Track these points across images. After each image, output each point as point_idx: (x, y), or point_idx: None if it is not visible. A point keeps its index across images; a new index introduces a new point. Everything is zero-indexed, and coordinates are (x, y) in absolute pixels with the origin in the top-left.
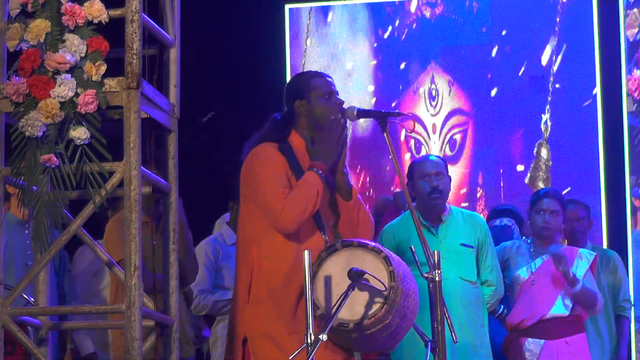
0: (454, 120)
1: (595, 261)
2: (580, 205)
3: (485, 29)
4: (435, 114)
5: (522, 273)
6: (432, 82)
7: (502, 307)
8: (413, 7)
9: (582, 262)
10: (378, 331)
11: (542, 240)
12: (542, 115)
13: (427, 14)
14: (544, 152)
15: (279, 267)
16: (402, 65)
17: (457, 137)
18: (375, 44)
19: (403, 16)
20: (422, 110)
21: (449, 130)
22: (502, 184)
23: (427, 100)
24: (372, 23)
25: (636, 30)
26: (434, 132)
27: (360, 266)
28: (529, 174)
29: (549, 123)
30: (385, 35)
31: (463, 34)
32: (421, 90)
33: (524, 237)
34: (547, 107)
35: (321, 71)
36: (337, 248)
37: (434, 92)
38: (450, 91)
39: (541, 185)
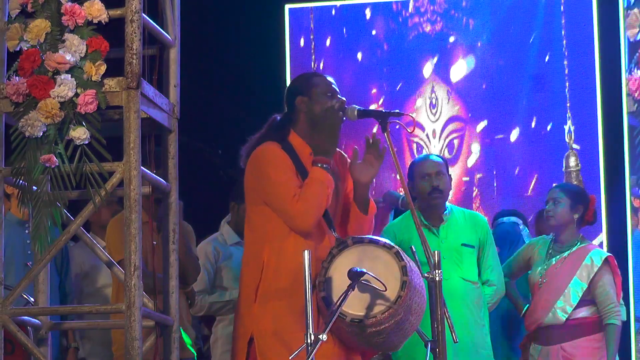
0: (452, 126)
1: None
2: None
3: (480, 43)
4: (435, 120)
5: (534, 273)
6: (433, 91)
7: (527, 306)
8: (415, 24)
9: (589, 266)
10: (390, 326)
11: (560, 234)
12: (564, 126)
13: (427, 29)
14: (572, 161)
15: (288, 266)
16: (405, 76)
17: (455, 141)
18: (379, 56)
19: (406, 32)
20: (423, 117)
21: (448, 135)
22: (495, 184)
23: (428, 108)
24: (376, 37)
25: (636, 30)
26: (434, 137)
27: (372, 262)
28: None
29: (572, 130)
30: (389, 49)
31: (460, 48)
32: (422, 99)
33: (551, 234)
34: (568, 114)
35: (323, 73)
36: (348, 244)
37: (434, 101)
38: (448, 100)
39: None
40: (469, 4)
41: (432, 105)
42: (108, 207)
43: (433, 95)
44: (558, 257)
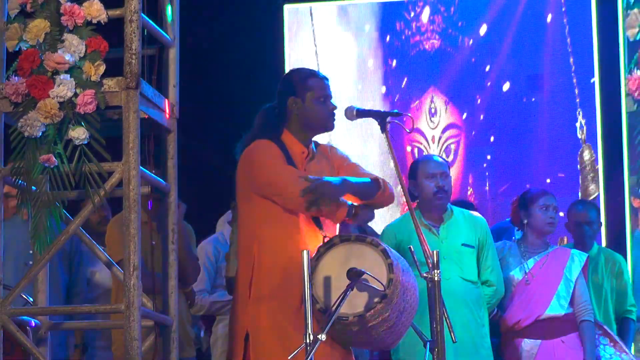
0: (449, 132)
1: (587, 263)
2: (591, 206)
3: (475, 59)
4: (434, 127)
5: (516, 273)
6: (432, 101)
7: (496, 309)
8: (416, 41)
9: (574, 265)
10: (378, 324)
11: (540, 239)
12: (575, 124)
13: (428, 46)
14: (586, 155)
15: (279, 262)
16: (407, 87)
17: (452, 146)
18: (384, 70)
19: (408, 48)
20: (423, 124)
21: (446, 140)
22: (487, 184)
23: (428, 117)
24: (382, 52)
25: (636, 30)
26: (433, 142)
27: (358, 260)
28: (580, 185)
29: (584, 123)
30: (394, 64)
31: (457, 63)
32: (423, 108)
33: (513, 238)
34: (578, 110)
35: (318, 71)
36: (335, 243)
37: (433, 110)
38: (446, 109)
39: (592, 187)
40: (464, 24)
41: (432, 114)
42: (97, 212)
43: (432, 105)
44: (536, 257)
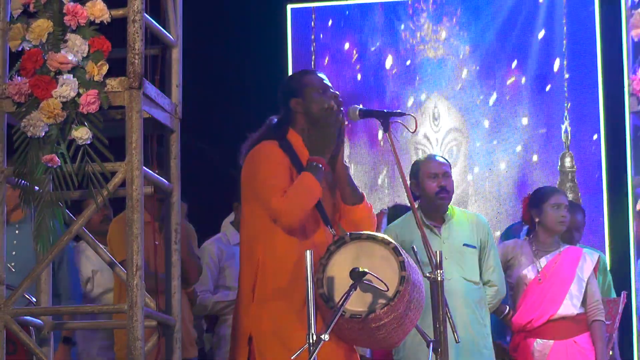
0: (451, 135)
1: (598, 262)
2: (577, 210)
3: (476, 66)
4: (437, 130)
5: (528, 272)
6: (435, 106)
7: (508, 307)
8: (421, 50)
9: (586, 264)
10: (390, 322)
11: (552, 237)
12: (561, 125)
13: (431, 55)
14: (567, 162)
15: (284, 266)
16: (412, 93)
17: (454, 148)
18: (387, 75)
19: (413, 55)
20: (427, 127)
21: (448, 143)
22: (487, 184)
23: (431, 121)
24: (385, 58)
25: None
26: (436, 145)
27: (370, 258)
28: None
29: (569, 130)
30: (397, 70)
31: (458, 70)
32: (427, 113)
33: (524, 237)
34: (565, 114)
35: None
36: (345, 241)
37: (436, 114)
38: (449, 114)
39: (571, 196)
40: (465, 33)
41: (435, 118)
42: (99, 210)
43: (435, 109)
44: (549, 256)
